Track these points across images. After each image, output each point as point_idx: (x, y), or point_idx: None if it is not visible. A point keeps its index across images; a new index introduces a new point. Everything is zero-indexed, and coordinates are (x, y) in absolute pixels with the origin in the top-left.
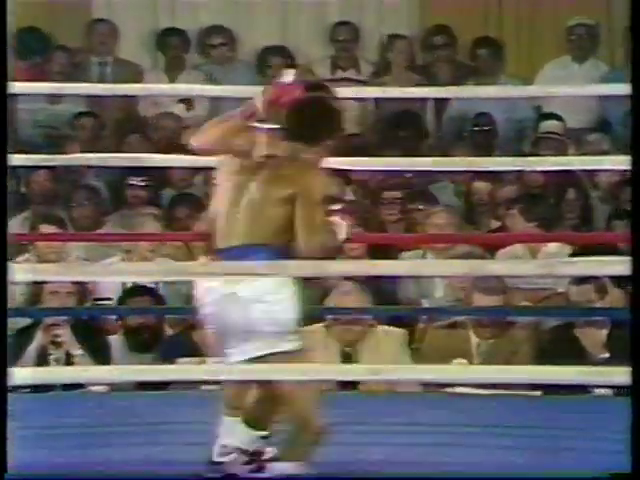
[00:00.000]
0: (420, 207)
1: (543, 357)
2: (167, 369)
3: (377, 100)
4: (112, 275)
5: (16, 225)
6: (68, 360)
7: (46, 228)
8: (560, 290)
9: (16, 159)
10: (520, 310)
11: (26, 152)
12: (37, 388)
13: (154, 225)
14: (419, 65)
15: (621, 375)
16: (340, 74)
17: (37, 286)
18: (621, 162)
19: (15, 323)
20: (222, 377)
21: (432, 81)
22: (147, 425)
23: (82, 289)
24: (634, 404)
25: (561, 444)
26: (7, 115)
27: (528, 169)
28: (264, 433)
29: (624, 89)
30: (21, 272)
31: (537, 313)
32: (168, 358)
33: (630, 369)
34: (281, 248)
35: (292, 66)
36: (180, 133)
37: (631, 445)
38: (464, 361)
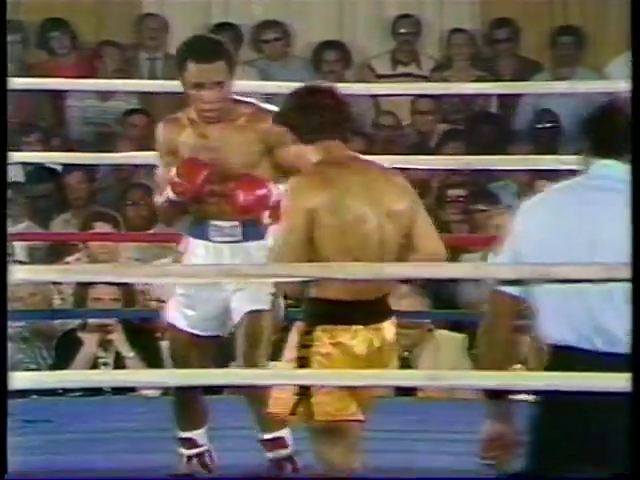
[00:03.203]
0: (482, 208)
1: None
2: (221, 373)
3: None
4: (150, 277)
5: (56, 227)
6: (118, 363)
7: (100, 226)
8: None
9: (63, 157)
10: None
11: (75, 150)
12: (87, 391)
13: None
14: (481, 60)
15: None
16: (401, 69)
17: (83, 291)
18: (560, 162)
19: (64, 324)
20: (276, 382)
21: (495, 76)
22: None
23: (129, 293)
24: (634, 406)
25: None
26: (6, 112)
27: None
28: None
29: None
30: (21, 273)
31: None
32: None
33: (630, 373)
34: None
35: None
36: None
37: (631, 445)
38: (519, 367)
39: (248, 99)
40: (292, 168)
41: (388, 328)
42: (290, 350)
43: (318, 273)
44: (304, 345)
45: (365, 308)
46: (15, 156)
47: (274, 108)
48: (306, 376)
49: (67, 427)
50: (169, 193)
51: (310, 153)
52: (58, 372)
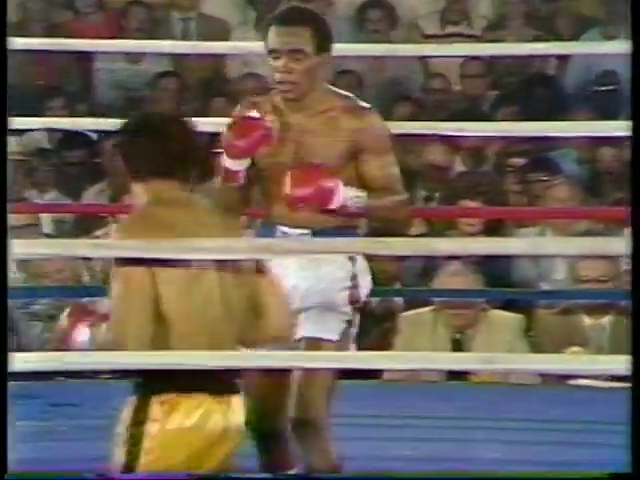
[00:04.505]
0: (543, 178)
1: None
2: (230, 355)
3: (491, 57)
4: (184, 252)
5: (90, 198)
6: None
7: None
8: None
9: (91, 123)
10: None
11: (105, 115)
12: (115, 373)
13: None
14: (538, 18)
15: None
16: (450, 29)
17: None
18: (622, 128)
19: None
20: (314, 364)
21: (553, 35)
22: None
23: None
24: (634, 400)
25: None
26: (7, 74)
27: None
28: None
29: None
30: (49, 247)
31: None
32: None
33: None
34: None
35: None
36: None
37: (631, 445)
38: (579, 349)
39: (344, 92)
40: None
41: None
42: (121, 432)
43: (367, 249)
44: (136, 423)
45: (213, 374)
46: (40, 122)
47: (367, 105)
48: (334, 358)
49: (93, 411)
50: (225, 160)
51: (140, 194)
52: (60, 353)
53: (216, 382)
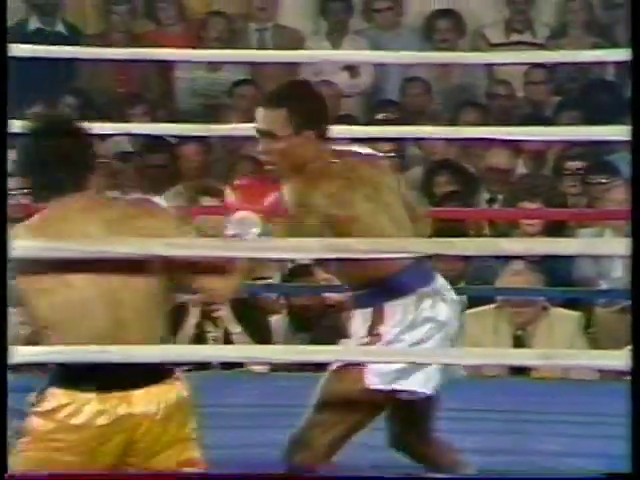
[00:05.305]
0: (601, 180)
1: None
2: (329, 350)
3: (553, 64)
4: (259, 252)
5: (168, 200)
6: (226, 339)
7: (207, 201)
8: None
9: (172, 129)
10: None
11: (184, 121)
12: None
13: None
14: (598, 26)
15: None
16: (515, 38)
17: None
18: (621, 132)
19: None
20: (383, 359)
21: (612, 43)
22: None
23: None
24: (634, 398)
25: None
26: (7, 80)
27: None
28: None
29: None
30: (125, 247)
31: None
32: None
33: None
34: None
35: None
36: (342, 103)
37: (631, 445)
38: None
39: (361, 150)
40: None
41: (145, 396)
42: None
43: (432, 249)
44: (34, 411)
45: (108, 368)
46: (122, 127)
47: (364, 151)
48: (409, 354)
49: None
50: None
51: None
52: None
53: (112, 378)
